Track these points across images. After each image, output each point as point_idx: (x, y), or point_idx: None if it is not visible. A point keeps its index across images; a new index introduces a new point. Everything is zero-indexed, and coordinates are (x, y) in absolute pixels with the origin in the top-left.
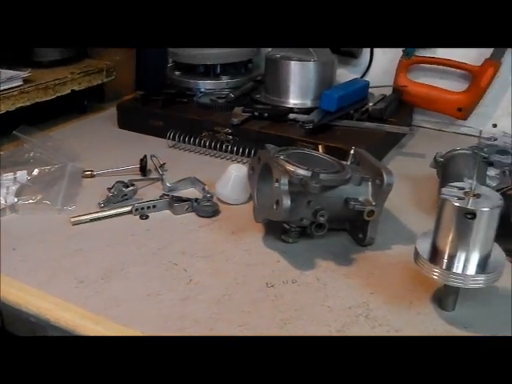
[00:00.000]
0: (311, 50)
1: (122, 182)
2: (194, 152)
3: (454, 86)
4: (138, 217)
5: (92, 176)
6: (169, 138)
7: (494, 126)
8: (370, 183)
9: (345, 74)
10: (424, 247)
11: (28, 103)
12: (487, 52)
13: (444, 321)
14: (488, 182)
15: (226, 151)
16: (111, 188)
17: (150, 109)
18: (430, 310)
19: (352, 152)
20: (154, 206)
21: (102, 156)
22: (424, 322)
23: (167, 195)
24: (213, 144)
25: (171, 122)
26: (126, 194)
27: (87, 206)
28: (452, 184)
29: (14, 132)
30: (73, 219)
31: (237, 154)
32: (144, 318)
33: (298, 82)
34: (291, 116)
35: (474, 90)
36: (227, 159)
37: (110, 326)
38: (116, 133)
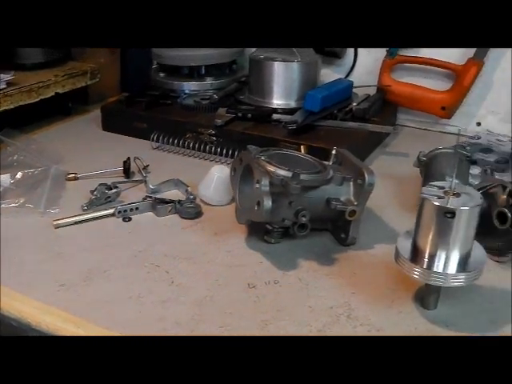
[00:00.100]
0: (295, 50)
1: (105, 184)
2: (178, 153)
3: (437, 85)
4: (121, 219)
5: (76, 179)
6: (152, 140)
7: (478, 124)
8: (351, 183)
9: (329, 74)
10: (405, 247)
11: (12, 106)
12: (470, 51)
13: (426, 319)
14: (471, 180)
15: (209, 152)
16: (94, 190)
17: (134, 111)
18: (411, 309)
19: (334, 152)
20: (136, 208)
21: (85, 158)
22: (405, 320)
23: (150, 197)
24: (196, 145)
25: (155, 124)
26: (109, 197)
27: (70, 209)
28: (432, 183)
29: None
30: (55, 222)
31: (220, 155)
32: (125, 321)
33: (282, 83)
34: (275, 117)
35: (457, 89)
36: (211, 160)
37: (91, 328)
38: (100, 135)
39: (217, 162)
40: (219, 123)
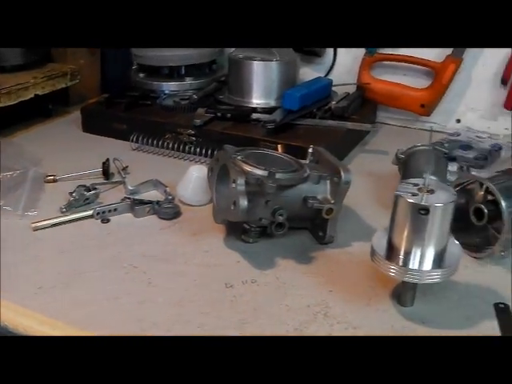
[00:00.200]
0: (273, 49)
1: (84, 185)
2: (158, 154)
3: (417, 82)
4: (99, 220)
5: (54, 181)
6: (132, 141)
7: (458, 121)
8: (328, 181)
9: (309, 73)
10: (380, 244)
11: None
12: (449, 49)
13: (402, 316)
14: (448, 177)
15: (189, 152)
16: (73, 192)
17: (114, 112)
18: (388, 307)
19: (310, 150)
20: (115, 210)
21: (65, 160)
22: (382, 318)
23: (129, 198)
24: (176, 146)
25: (134, 125)
26: (87, 198)
27: (49, 211)
28: (407, 180)
29: None
30: (33, 225)
31: (200, 155)
32: (102, 322)
33: (261, 82)
34: (254, 116)
35: (436, 87)
36: (190, 160)
37: (68, 331)
38: (80, 136)
39: (196, 162)
40: (198, 123)
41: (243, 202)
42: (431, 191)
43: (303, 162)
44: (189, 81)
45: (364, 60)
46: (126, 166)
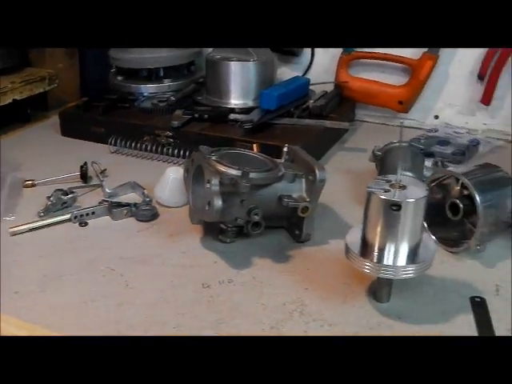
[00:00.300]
0: (250, 49)
1: (61, 189)
2: (136, 156)
3: (394, 79)
4: (77, 224)
5: (33, 185)
6: (110, 144)
7: (436, 117)
8: (303, 180)
9: (287, 72)
10: (354, 241)
11: None
12: None
13: (378, 312)
14: (425, 172)
15: (167, 154)
16: (50, 196)
17: (92, 115)
18: (364, 303)
19: (285, 149)
20: (93, 213)
21: (44, 165)
22: (358, 314)
23: (106, 201)
24: (154, 148)
25: (113, 128)
26: (65, 202)
27: (27, 216)
28: (379, 177)
29: None
30: (11, 230)
31: (178, 156)
32: (79, 325)
33: (239, 83)
34: (232, 116)
35: (413, 83)
36: (169, 162)
37: (45, 334)
38: (59, 141)
39: (175, 163)
40: (176, 125)
41: (217, 202)
42: (403, 187)
43: (278, 161)
44: (167, 83)
45: (341, 58)
46: (104, 169)
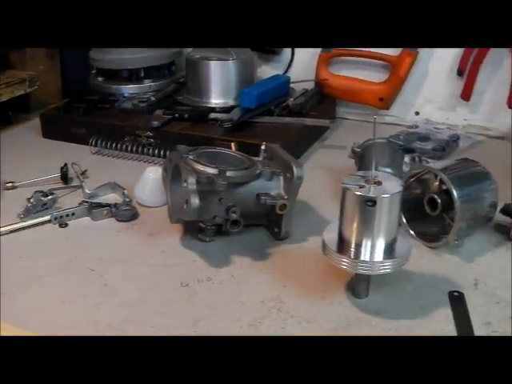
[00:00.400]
0: (230, 48)
1: (41, 191)
2: (117, 157)
3: (374, 76)
4: (57, 225)
5: (14, 187)
6: (91, 145)
7: (417, 113)
8: (281, 177)
9: (267, 71)
10: (331, 238)
11: None
12: None
13: (357, 308)
14: (404, 168)
15: (147, 154)
16: (30, 198)
17: (72, 117)
18: (342, 299)
19: (263, 148)
20: (73, 214)
21: (25, 167)
22: (336, 311)
23: (86, 202)
24: (135, 148)
25: (93, 129)
26: (45, 204)
27: (7, 218)
28: (354, 173)
29: None
30: None
31: (158, 156)
32: (57, 326)
33: (219, 82)
34: (212, 116)
35: (393, 80)
36: (149, 162)
37: (24, 335)
38: (40, 142)
39: (155, 163)
40: (156, 125)
41: (194, 201)
42: (378, 183)
43: (256, 159)
44: (148, 83)
45: (321, 56)
46: (85, 170)
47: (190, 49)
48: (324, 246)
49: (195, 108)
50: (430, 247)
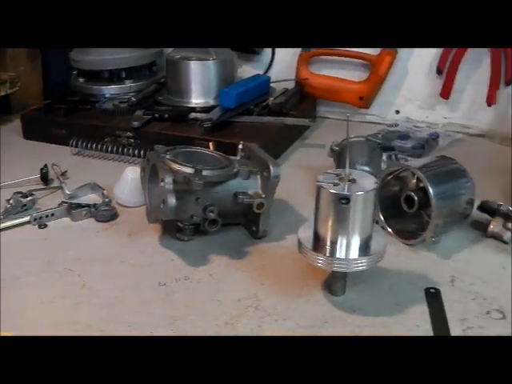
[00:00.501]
0: (210, 48)
1: (21, 192)
2: (98, 158)
3: (355, 75)
4: (36, 226)
5: None
6: (72, 146)
7: (397, 112)
8: (258, 176)
9: (248, 71)
10: (307, 236)
11: None
12: None
13: (333, 306)
14: (383, 166)
15: (128, 155)
16: (9, 199)
17: (53, 118)
18: (319, 297)
19: (240, 147)
20: (52, 215)
21: (5, 168)
22: (313, 308)
23: (66, 202)
24: (115, 148)
25: (74, 130)
26: (25, 205)
27: None
28: (329, 171)
29: None
30: None
31: (139, 156)
32: (35, 327)
33: (199, 82)
34: (192, 115)
35: (373, 79)
36: (130, 163)
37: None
38: (21, 144)
39: (136, 163)
40: (136, 125)
41: (171, 200)
42: (353, 180)
43: (234, 158)
44: (128, 83)
45: (301, 56)
46: (65, 171)
47: (171, 49)
48: (300, 244)
49: (175, 108)
50: (407, 244)
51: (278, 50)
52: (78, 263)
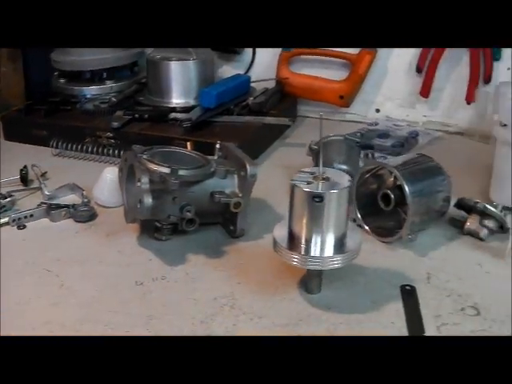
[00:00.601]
0: (190, 48)
1: (0, 193)
2: (79, 158)
3: (335, 75)
4: (15, 227)
5: None
6: (52, 147)
7: (377, 111)
8: (235, 176)
9: (229, 71)
10: (282, 235)
11: None
12: None
13: (308, 304)
14: (361, 164)
15: (108, 155)
16: None
17: (34, 119)
18: (295, 295)
19: (218, 146)
20: (31, 215)
21: None
22: (288, 306)
23: (45, 203)
24: (95, 149)
25: (54, 131)
26: (3, 206)
27: None
28: (303, 170)
29: None
30: None
31: (119, 157)
32: (11, 327)
33: (179, 82)
34: (172, 115)
35: (353, 78)
36: (110, 163)
37: None
38: (2, 145)
39: (116, 164)
40: (116, 125)
41: (147, 200)
42: (327, 179)
43: (211, 157)
44: (110, 84)
45: (281, 55)
46: (45, 172)
47: (152, 49)
48: (275, 243)
49: (156, 108)
50: (384, 242)
51: (259, 50)
52: (56, 264)
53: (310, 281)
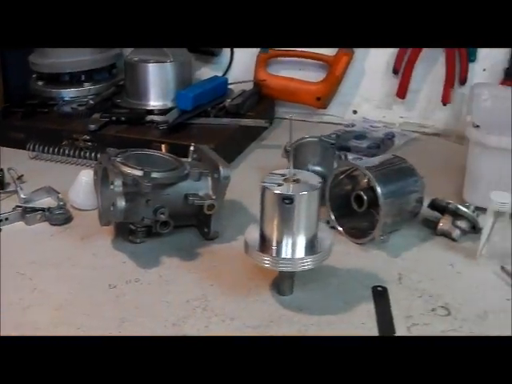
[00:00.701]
0: (167, 51)
1: None
2: (56, 161)
3: (313, 76)
4: None
5: None
6: (29, 150)
7: (355, 112)
8: (209, 178)
9: (207, 73)
10: (254, 237)
11: None
12: None
13: (280, 305)
14: (336, 166)
15: (85, 158)
16: None
17: (10, 121)
18: (267, 297)
19: (192, 149)
20: (6, 219)
21: None
22: (260, 308)
23: (20, 207)
24: (72, 152)
25: (31, 134)
26: None
27: None
28: (273, 171)
29: None
30: None
31: (95, 159)
32: None
33: (157, 84)
34: (148, 118)
35: (330, 79)
36: (87, 166)
37: None
38: None
39: (93, 167)
40: (93, 128)
41: (121, 203)
42: (297, 180)
43: (185, 160)
44: (87, 86)
45: (259, 57)
46: (21, 175)
47: (129, 51)
48: (246, 245)
49: (133, 110)
50: (357, 243)
51: (237, 52)
52: (30, 267)
53: (282, 282)
